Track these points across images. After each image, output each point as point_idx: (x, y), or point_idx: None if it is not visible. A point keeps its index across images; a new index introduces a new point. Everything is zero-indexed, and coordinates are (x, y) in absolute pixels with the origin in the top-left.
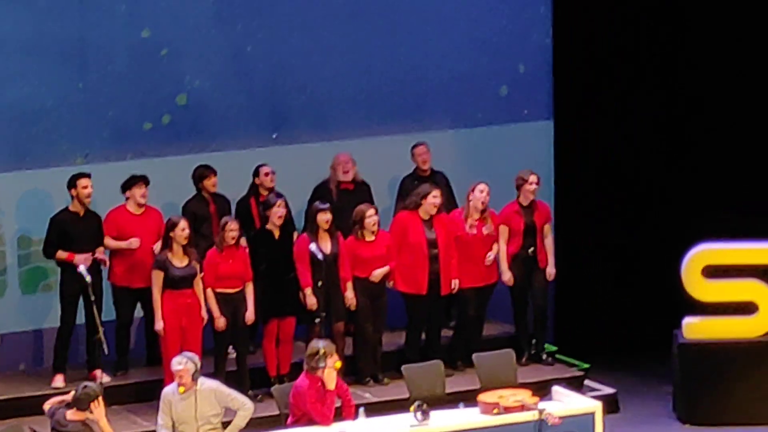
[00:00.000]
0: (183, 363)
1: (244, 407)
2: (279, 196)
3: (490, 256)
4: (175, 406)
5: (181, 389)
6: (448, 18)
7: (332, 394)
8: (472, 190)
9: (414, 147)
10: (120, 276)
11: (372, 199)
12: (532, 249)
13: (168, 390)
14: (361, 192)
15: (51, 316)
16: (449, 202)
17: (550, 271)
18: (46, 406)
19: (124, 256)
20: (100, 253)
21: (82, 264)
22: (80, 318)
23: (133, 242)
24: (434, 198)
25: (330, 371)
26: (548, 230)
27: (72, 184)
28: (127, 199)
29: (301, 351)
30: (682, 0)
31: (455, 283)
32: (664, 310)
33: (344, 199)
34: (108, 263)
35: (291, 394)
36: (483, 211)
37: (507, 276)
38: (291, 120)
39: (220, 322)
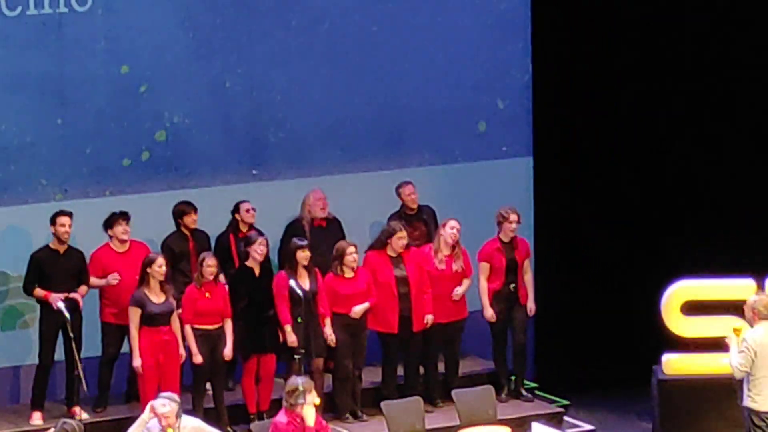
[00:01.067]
0: (167, 404)
1: None
2: (260, 233)
3: (458, 290)
4: None
5: (170, 431)
6: (427, 54)
7: (312, 431)
8: (443, 226)
9: (400, 186)
10: (109, 313)
11: (344, 235)
12: (513, 285)
13: (149, 424)
14: (333, 228)
15: (29, 353)
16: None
17: (531, 306)
18: None
19: (112, 293)
20: (80, 293)
21: (59, 301)
22: (59, 355)
23: (111, 279)
24: (400, 239)
25: (309, 408)
26: (527, 266)
27: (52, 221)
28: (110, 237)
29: (281, 388)
30: (662, 36)
31: (428, 319)
32: (644, 346)
33: (318, 235)
34: (82, 304)
35: (270, 431)
36: (453, 248)
37: (489, 312)
38: (270, 156)
39: (197, 359)
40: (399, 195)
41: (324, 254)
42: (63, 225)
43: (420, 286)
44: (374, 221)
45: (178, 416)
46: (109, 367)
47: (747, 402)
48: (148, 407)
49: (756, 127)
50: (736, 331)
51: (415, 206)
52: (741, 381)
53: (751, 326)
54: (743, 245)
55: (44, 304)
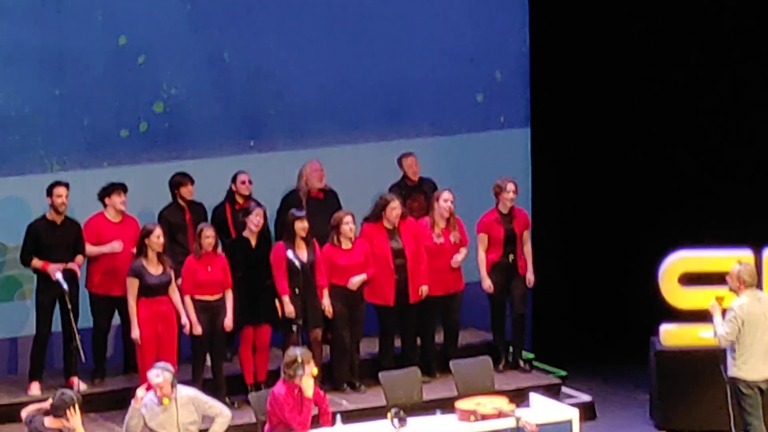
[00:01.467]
0: (160, 375)
1: (222, 414)
2: (257, 204)
3: (457, 257)
4: (154, 416)
5: (166, 401)
6: (425, 25)
7: (309, 402)
8: (437, 200)
9: (403, 157)
10: (98, 284)
11: (341, 206)
12: (512, 256)
13: (149, 399)
14: (330, 200)
15: (26, 324)
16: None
17: (530, 277)
18: (24, 413)
19: (102, 263)
20: (76, 264)
21: (57, 272)
22: (56, 326)
23: (115, 246)
24: (393, 210)
25: (307, 379)
26: (527, 237)
27: (48, 191)
28: (106, 206)
29: (278, 358)
30: (659, 7)
31: (423, 290)
32: (641, 317)
33: (315, 207)
34: (80, 274)
35: (268, 402)
36: (449, 219)
37: (487, 284)
38: (267, 127)
39: (197, 330)
40: (401, 165)
41: (321, 226)
42: (60, 196)
43: (416, 257)
44: (372, 193)
45: (173, 386)
46: (103, 338)
47: (733, 372)
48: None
49: (758, 97)
50: (719, 299)
51: (416, 178)
52: (724, 355)
53: (737, 295)
54: (742, 216)
55: (41, 274)
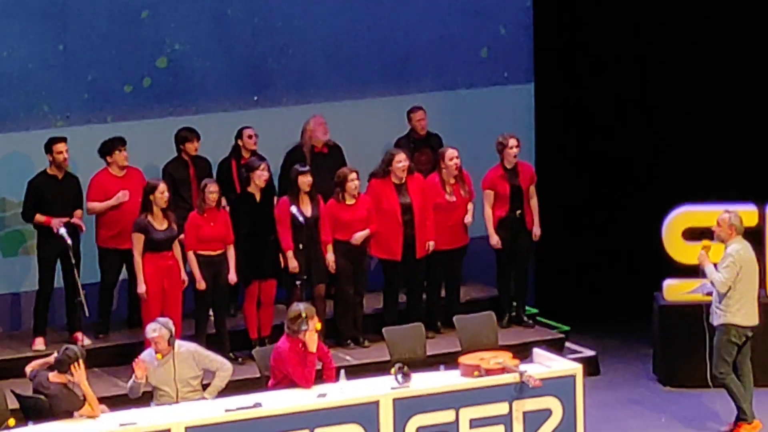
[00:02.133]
0: (157, 330)
1: (224, 368)
2: (262, 159)
3: (468, 217)
4: (154, 371)
5: (159, 356)
6: None
7: (313, 357)
8: (443, 158)
9: (411, 111)
10: (107, 238)
11: (345, 162)
12: (519, 211)
13: (144, 356)
14: (334, 155)
15: (30, 279)
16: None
17: (536, 231)
18: (28, 368)
19: (110, 218)
20: (77, 218)
21: (61, 227)
22: (58, 282)
23: (121, 196)
24: (399, 163)
25: (311, 334)
26: (533, 191)
27: (48, 148)
28: (109, 163)
29: (282, 314)
30: None
31: (430, 245)
32: (645, 272)
33: (319, 162)
34: (85, 228)
35: (272, 357)
36: (457, 176)
37: (495, 239)
38: (272, 83)
39: (201, 285)
40: (409, 119)
41: (325, 181)
42: (61, 152)
43: (422, 213)
44: (376, 148)
45: (170, 343)
46: (109, 293)
47: (727, 318)
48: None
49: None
50: (707, 248)
51: (423, 132)
52: (708, 307)
53: (726, 243)
54: (745, 172)
55: (43, 229)
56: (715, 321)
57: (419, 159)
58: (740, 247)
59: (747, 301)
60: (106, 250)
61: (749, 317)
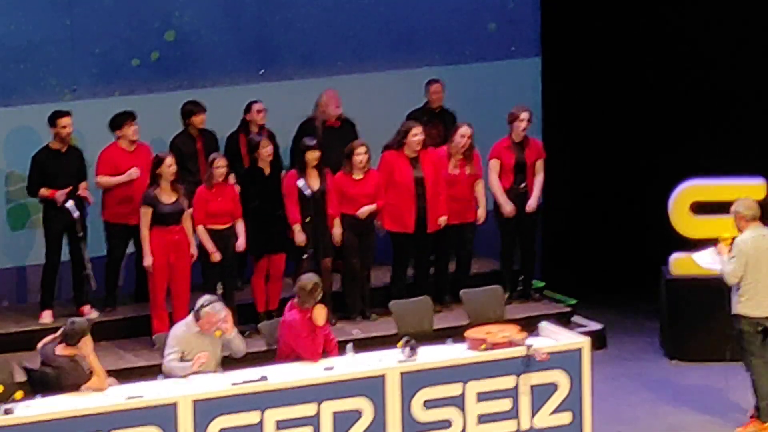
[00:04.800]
0: (222, 308)
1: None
2: (259, 134)
3: (480, 204)
4: (192, 345)
5: (218, 333)
6: None
7: (321, 331)
8: (455, 132)
9: (429, 84)
10: (114, 213)
11: (357, 136)
12: (523, 185)
13: (183, 330)
14: (346, 129)
15: (36, 252)
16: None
17: (531, 203)
18: (41, 345)
19: (118, 192)
20: (84, 191)
21: (63, 199)
22: (65, 255)
23: (133, 173)
24: (414, 136)
25: (320, 307)
26: (540, 167)
27: (52, 122)
28: (119, 137)
29: (290, 287)
30: None
31: (443, 220)
32: (652, 246)
33: (330, 136)
34: (92, 201)
35: (280, 329)
36: (465, 153)
37: (508, 208)
38: (279, 56)
39: (216, 257)
40: (426, 92)
41: (337, 155)
42: (65, 126)
43: (435, 187)
44: (384, 121)
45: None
46: (116, 267)
47: (737, 309)
48: (184, 366)
49: None
50: (725, 240)
51: (438, 105)
52: (730, 290)
53: (741, 232)
54: (754, 146)
55: (49, 203)
56: (731, 311)
57: (430, 132)
58: (749, 237)
59: (759, 290)
60: (112, 224)
61: (761, 307)
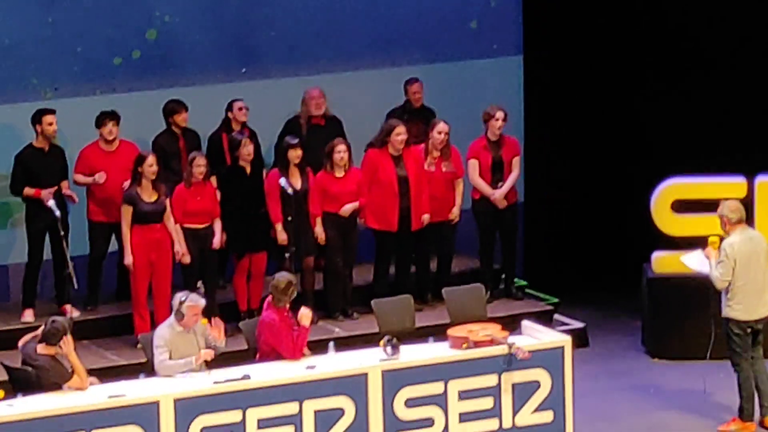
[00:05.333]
0: (200, 302)
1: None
2: (241, 133)
3: (457, 201)
4: (177, 344)
5: (204, 321)
6: None
7: (305, 331)
8: (432, 129)
9: (409, 83)
10: (97, 211)
11: (344, 134)
12: (501, 184)
13: (167, 331)
14: (332, 127)
15: (18, 251)
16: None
17: (498, 194)
18: (21, 342)
19: (100, 191)
20: (66, 189)
21: (50, 199)
22: (47, 254)
23: (98, 177)
24: (398, 135)
25: (305, 308)
26: (516, 164)
27: (37, 120)
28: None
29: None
30: None
31: (426, 218)
32: (634, 244)
33: (315, 134)
34: (77, 199)
35: (258, 329)
36: (442, 150)
37: (499, 194)
38: (261, 55)
39: (186, 259)
40: (405, 91)
41: (320, 153)
42: (51, 123)
43: (419, 185)
44: (365, 120)
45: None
46: (98, 266)
47: (726, 312)
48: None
49: (752, 28)
50: (713, 243)
51: (418, 104)
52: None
53: (727, 235)
54: (735, 144)
55: (32, 202)
56: (722, 313)
57: (411, 129)
58: (735, 240)
59: (746, 294)
60: (95, 223)
61: (750, 311)
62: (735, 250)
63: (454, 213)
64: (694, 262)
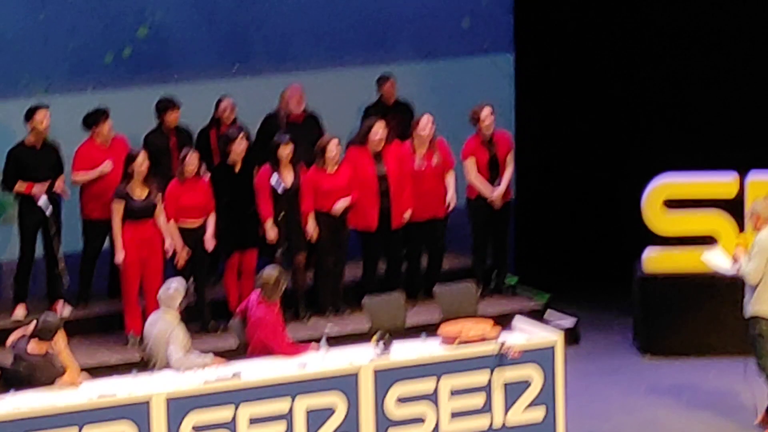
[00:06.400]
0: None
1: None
2: (240, 129)
3: (450, 191)
4: (182, 337)
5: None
6: None
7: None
8: (416, 124)
9: (381, 81)
10: (92, 208)
11: (322, 131)
12: (498, 182)
13: (176, 324)
14: (310, 124)
15: (10, 248)
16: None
17: (496, 193)
18: (9, 339)
19: (95, 188)
20: (60, 186)
21: (41, 194)
22: (39, 251)
23: (105, 167)
24: (376, 135)
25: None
26: (509, 160)
27: (29, 116)
28: (94, 134)
29: None
30: None
31: (407, 215)
32: (625, 242)
33: (293, 131)
34: (69, 195)
35: (251, 326)
36: (429, 144)
37: (496, 194)
38: (252, 52)
39: (182, 255)
40: (378, 88)
41: (300, 150)
42: (43, 120)
43: (399, 182)
44: (356, 116)
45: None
46: (92, 263)
47: (755, 310)
48: (204, 359)
49: (743, 25)
50: (742, 245)
51: (392, 100)
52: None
53: (758, 231)
54: (727, 142)
55: (24, 199)
56: (746, 314)
57: (389, 124)
58: (766, 236)
59: None
60: (90, 220)
61: None
62: (767, 245)
63: (450, 198)
64: (715, 260)
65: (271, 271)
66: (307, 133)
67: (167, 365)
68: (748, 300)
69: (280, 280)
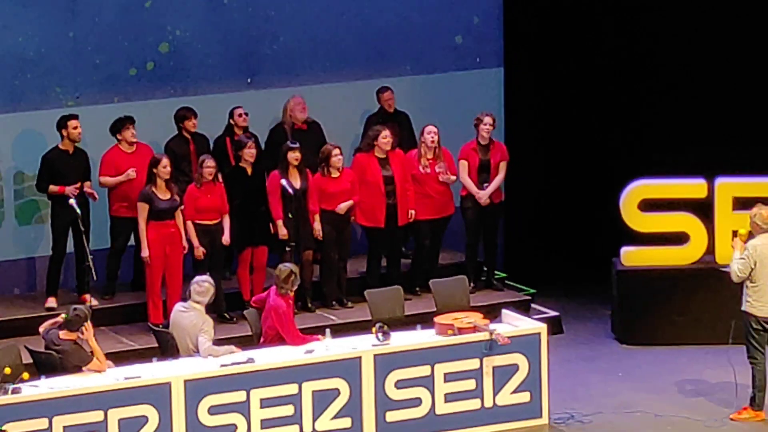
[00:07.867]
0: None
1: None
2: (249, 137)
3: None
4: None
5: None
6: None
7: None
8: (422, 133)
9: (380, 91)
10: (119, 208)
11: (324, 137)
12: (486, 184)
13: (206, 317)
14: (313, 131)
15: (43, 245)
16: (410, 140)
17: (483, 194)
18: (41, 328)
19: (122, 190)
20: (89, 188)
21: (72, 196)
22: (70, 247)
23: (131, 173)
24: (384, 139)
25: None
26: (502, 167)
27: (62, 124)
28: (119, 140)
29: (273, 277)
30: None
31: (411, 213)
32: (605, 240)
33: (299, 138)
34: (97, 197)
35: (267, 314)
36: (435, 151)
37: (483, 193)
38: (263, 67)
39: (199, 252)
40: (378, 99)
41: (304, 155)
42: (76, 127)
43: (404, 184)
44: (355, 125)
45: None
46: (118, 258)
47: (746, 307)
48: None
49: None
50: (742, 236)
51: (391, 110)
52: (742, 287)
53: (754, 235)
54: (697, 148)
55: (56, 199)
56: (743, 307)
57: (392, 129)
58: (758, 243)
59: (765, 293)
60: (117, 218)
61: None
62: (758, 253)
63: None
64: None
65: (283, 267)
66: (311, 139)
67: (191, 353)
68: (744, 295)
69: (291, 276)
